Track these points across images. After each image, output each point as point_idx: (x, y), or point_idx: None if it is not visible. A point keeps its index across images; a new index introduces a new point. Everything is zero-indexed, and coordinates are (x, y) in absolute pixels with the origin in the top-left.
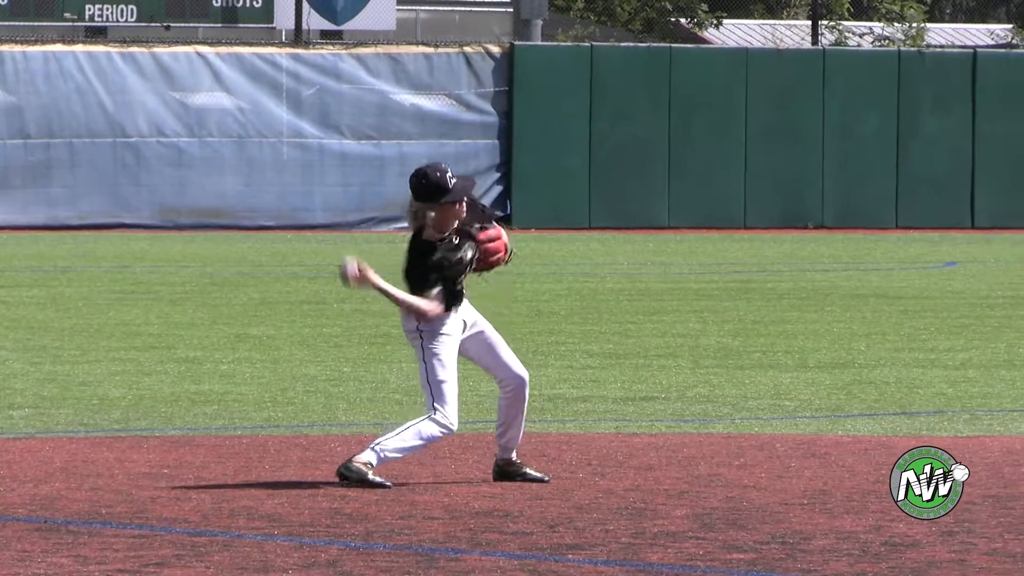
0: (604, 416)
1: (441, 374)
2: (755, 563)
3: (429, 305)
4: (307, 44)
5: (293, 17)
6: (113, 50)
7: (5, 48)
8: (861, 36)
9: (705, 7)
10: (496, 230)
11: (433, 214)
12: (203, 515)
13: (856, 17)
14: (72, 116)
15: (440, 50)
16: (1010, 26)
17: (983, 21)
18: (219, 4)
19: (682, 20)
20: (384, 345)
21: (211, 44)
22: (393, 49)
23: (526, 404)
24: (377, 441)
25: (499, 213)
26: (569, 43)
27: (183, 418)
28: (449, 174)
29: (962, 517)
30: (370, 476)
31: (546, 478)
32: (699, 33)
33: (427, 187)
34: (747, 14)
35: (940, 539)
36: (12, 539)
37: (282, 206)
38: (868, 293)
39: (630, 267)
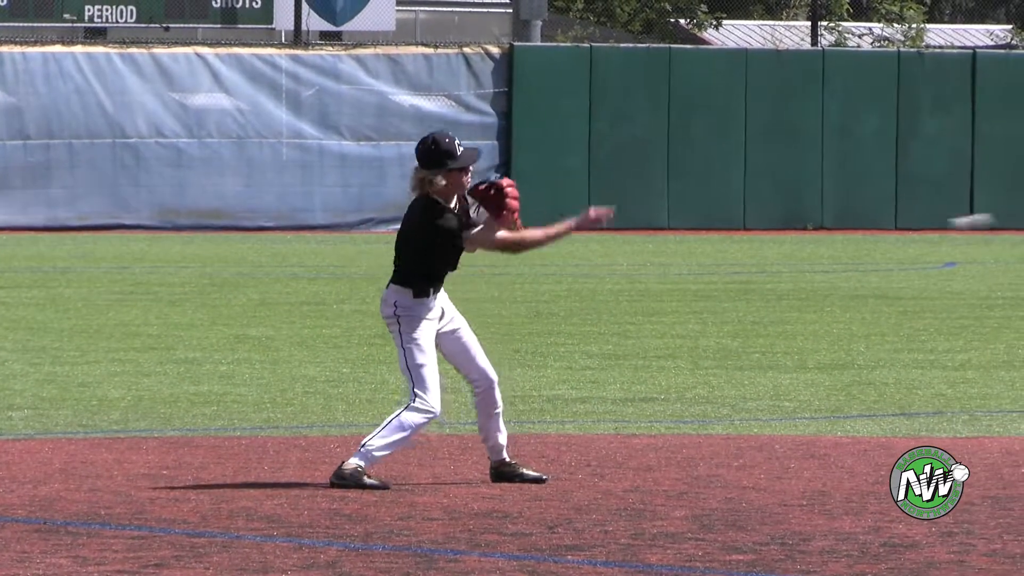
0: (603, 417)
1: (420, 358)
2: (754, 564)
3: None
4: (306, 45)
5: (292, 18)
6: (112, 51)
7: (5, 49)
8: (860, 37)
9: (704, 8)
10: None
11: (442, 180)
12: (202, 516)
13: (855, 18)
14: (71, 117)
15: (439, 51)
16: (1009, 27)
17: (982, 22)
18: (218, 5)
19: (681, 21)
20: (383, 346)
21: (210, 45)
22: (392, 50)
23: (500, 406)
24: (363, 443)
25: None
26: (568, 44)
27: (182, 419)
28: (457, 141)
29: (961, 518)
30: (366, 480)
31: (544, 477)
32: (698, 34)
33: (436, 153)
34: (746, 15)
35: (939, 540)
36: (11, 540)
37: (281, 207)
38: (867, 294)
39: (629, 268)
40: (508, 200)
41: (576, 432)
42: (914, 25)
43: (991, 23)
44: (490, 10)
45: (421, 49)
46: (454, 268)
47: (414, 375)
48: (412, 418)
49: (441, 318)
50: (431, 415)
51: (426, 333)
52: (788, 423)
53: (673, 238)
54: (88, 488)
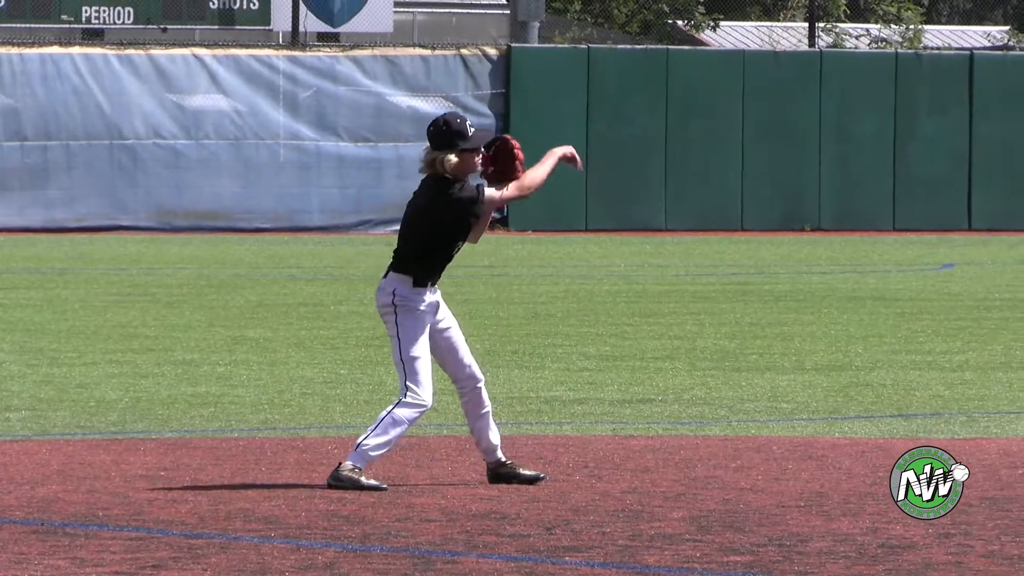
0: (601, 418)
1: (414, 350)
2: (752, 565)
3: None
4: (304, 46)
5: (290, 19)
6: (110, 52)
7: (2, 50)
8: (858, 38)
9: (702, 9)
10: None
11: (454, 159)
12: (200, 517)
13: (853, 19)
14: (69, 118)
15: (437, 52)
16: (1007, 28)
17: (980, 23)
18: (216, 6)
19: (679, 22)
20: (381, 347)
21: (208, 46)
22: (390, 51)
23: (488, 406)
24: (358, 443)
25: (497, 216)
26: (566, 45)
27: (180, 420)
28: (469, 123)
29: (959, 519)
30: (363, 481)
31: (541, 475)
32: (696, 35)
33: (448, 133)
34: (744, 16)
35: (937, 541)
36: (9, 541)
37: (279, 208)
38: (865, 295)
39: (627, 269)
40: (517, 163)
41: (573, 433)
42: (911, 26)
43: (988, 24)
44: (487, 11)
45: (418, 50)
46: (451, 259)
47: (407, 367)
48: (404, 413)
49: (436, 311)
50: (423, 408)
51: (421, 325)
52: (786, 424)
53: (671, 239)
54: (86, 489)
